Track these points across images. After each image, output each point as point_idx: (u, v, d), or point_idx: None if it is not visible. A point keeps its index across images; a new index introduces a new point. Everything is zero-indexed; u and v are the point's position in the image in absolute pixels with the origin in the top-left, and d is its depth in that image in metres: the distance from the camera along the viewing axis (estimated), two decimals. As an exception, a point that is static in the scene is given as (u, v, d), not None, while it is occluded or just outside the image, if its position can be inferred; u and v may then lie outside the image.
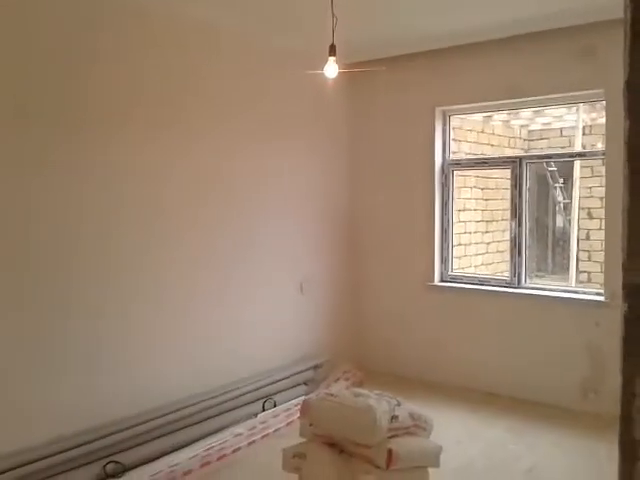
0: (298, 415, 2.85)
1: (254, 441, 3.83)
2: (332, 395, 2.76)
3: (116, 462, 3.25)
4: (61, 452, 3.03)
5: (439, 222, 4.91)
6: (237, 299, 4.28)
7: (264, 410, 4.23)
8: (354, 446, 2.62)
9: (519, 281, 4.58)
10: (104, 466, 3.20)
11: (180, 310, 3.88)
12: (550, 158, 4.45)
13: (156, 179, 3.69)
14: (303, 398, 4.33)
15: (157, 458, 3.45)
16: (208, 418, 3.87)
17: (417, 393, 4.58)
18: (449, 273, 4.95)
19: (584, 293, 4.31)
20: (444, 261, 4.94)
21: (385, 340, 5.18)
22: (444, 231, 4.92)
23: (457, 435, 3.84)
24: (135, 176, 3.57)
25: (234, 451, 3.68)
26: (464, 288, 4.79)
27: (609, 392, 4.05)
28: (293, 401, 4.42)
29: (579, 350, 4.21)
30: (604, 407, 4.03)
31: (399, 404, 2.72)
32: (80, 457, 3.12)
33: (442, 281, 4.94)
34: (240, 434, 3.87)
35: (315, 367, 4.78)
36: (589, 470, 3.41)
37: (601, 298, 4.14)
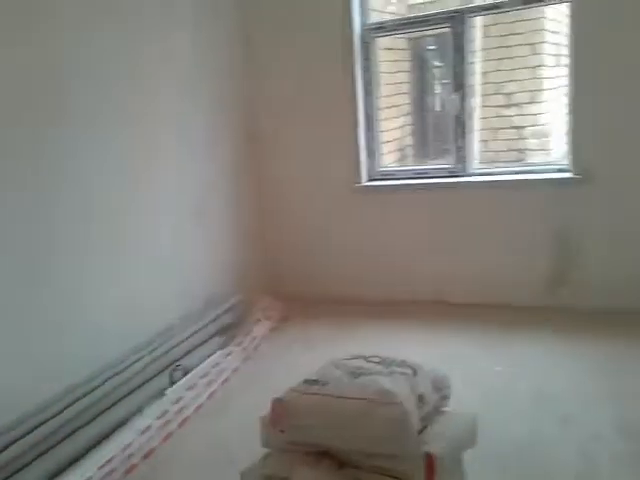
0: (270, 419, 1.78)
1: (170, 434, 2.75)
2: (317, 382, 1.73)
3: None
4: None
5: (362, 107, 3.85)
6: (107, 245, 2.99)
7: (173, 383, 3.11)
8: (366, 457, 1.65)
9: (465, 167, 3.73)
10: None
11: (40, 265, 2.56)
12: (499, 8, 3.50)
13: None
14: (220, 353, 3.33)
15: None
16: (96, 415, 2.68)
17: (358, 316, 3.79)
18: (379, 169, 3.98)
19: (546, 172, 3.57)
20: (371, 155, 3.94)
21: (308, 260, 4.21)
22: (369, 118, 3.88)
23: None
24: None
25: (146, 456, 2.58)
26: (399, 185, 3.87)
27: (582, 283, 3.47)
28: (209, 361, 3.35)
29: (544, 239, 3.54)
30: (580, 300, 3.45)
31: (415, 372, 1.77)
32: None
33: (371, 180, 3.97)
34: (148, 427, 2.74)
35: (228, 310, 3.70)
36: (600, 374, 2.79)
37: (568, 175, 3.43)
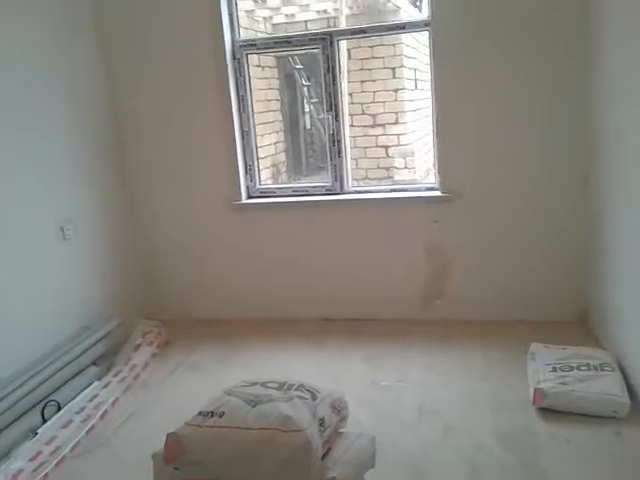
0: (163, 456, 1.68)
1: (46, 475, 2.51)
2: (213, 413, 1.65)
3: None
4: None
5: (238, 123, 3.81)
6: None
7: (45, 421, 2.86)
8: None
9: (342, 186, 3.84)
10: None
11: None
12: (365, 32, 3.65)
13: None
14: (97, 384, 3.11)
15: None
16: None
17: (241, 337, 3.75)
18: (257, 186, 3.96)
19: (416, 190, 3.77)
20: (249, 172, 3.91)
21: (187, 281, 4.07)
22: (245, 134, 3.85)
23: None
24: None
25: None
26: (277, 203, 3.87)
27: (453, 295, 3.70)
28: (85, 394, 3.12)
29: (418, 255, 3.73)
30: (451, 313, 3.68)
31: (314, 396, 1.77)
32: None
33: (250, 197, 3.93)
34: (20, 471, 2.49)
35: (104, 337, 3.46)
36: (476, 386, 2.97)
37: (437, 193, 3.65)
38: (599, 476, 2.25)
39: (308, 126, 8.31)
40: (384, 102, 7.21)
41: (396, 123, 7.34)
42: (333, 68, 3.64)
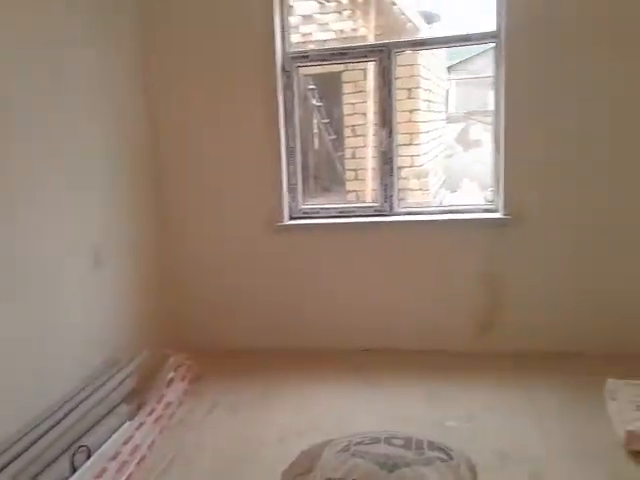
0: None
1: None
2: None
3: None
4: None
5: (284, 138, 3.54)
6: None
7: (75, 470, 2.49)
8: None
9: (392, 207, 3.57)
10: None
11: None
12: (426, 44, 3.42)
13: None
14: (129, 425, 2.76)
15: None
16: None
17: (280, 370, 3.43)
18: (300, 207, 3.67)
19: (472, 212, 3.51)
20: (292, 190, 3.63)
21: (223, 309, 3.74)
22: (290, 152, 3.58)
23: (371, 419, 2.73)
24: None
25: None
26: (322, 224, 3.59)
27: (508, 326, 3.43)
28: (117, 436, 2.76)
29: (471, 282, 3.45)
30: (505, 344, 3.40)
31: (449, 455, 1.46)
32: None
33: (292, 218, 3.64)
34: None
35: (133, 372, 3.11)
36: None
37: (496, 215, 3.40)
38: None
39: (317, 147, 8.11)
40: (399, 123, 7.04)
41: (409, 144, 7.19)
42: (389, 82, 3.39)
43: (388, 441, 1.49)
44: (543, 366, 3.24)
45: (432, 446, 1.47)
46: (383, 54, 3.39)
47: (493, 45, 3.33)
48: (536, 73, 3.16)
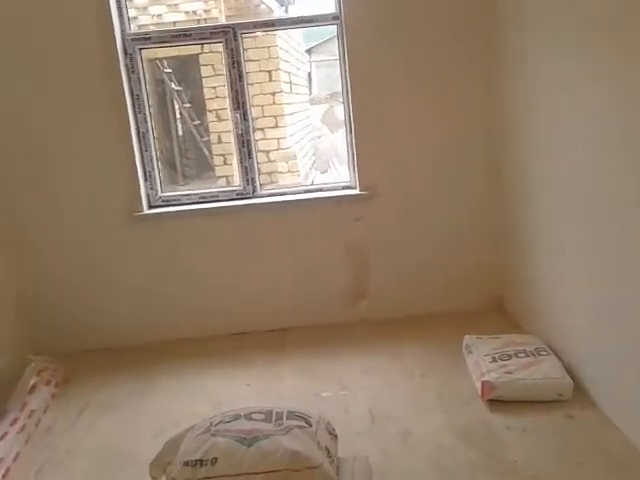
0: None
1: None
2: (202, 462, 1.34)
3: None
4: None
5: (134, 125, 3.40)
6: None
7: None
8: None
9: (254, 189, 3.58)
10: None
11: None
12: (273, 25, 3.41)
13: None
14: None
15: None
16: None
17: (152, 363, 3.36)
18: (159, 195, 3.57)
19: (334, 190, 3.61)
20: (149, 178, 3.51)
21: (89, 306, 3.55)
22: (142, 136, 3.45)
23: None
24: None
25: None
26: (184, 211, 3.51)
27: (378, 295, 3.60)
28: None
29: (339, 256, 3.58)
30: (375, 312, 3.58)
31: (309, 422, 1.52)
32: None
33: (152, 207, 3.53)
34: None
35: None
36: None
37: (355, 191, 3.53)
38: (569, 460, 2.24)
39: (180, 133, 7.89)
40: (262, 106, 7.04)
41: (276, 127, 7.23)
42: (239, 64, 3.37)
43: (249, 417, 1.51)
44: (410, 329, 3.45)
45: (291, 415, 1.52)
46: (229, 35, 3.35)
47: (336, 26, 3.41)
48: (377, 54, 3.30)
